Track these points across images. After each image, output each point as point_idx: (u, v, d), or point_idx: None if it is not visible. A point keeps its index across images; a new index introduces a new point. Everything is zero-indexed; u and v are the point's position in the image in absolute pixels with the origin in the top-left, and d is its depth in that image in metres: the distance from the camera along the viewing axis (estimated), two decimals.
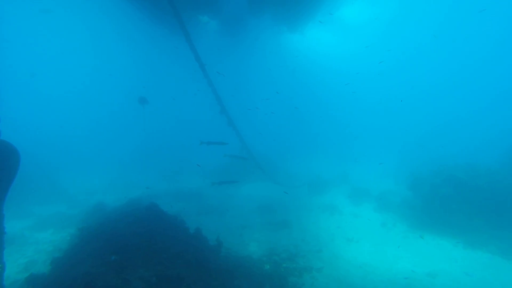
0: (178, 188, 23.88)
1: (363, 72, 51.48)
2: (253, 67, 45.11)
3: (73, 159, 34.24)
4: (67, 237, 13.20)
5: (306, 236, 14.01)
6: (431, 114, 52.58)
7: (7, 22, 40.14)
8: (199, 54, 15.86)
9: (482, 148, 23.19)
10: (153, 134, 42.41)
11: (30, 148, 26.62)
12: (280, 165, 28.49)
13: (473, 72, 53.81)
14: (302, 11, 27.29)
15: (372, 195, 20.55)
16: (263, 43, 36.91)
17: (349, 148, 36.27)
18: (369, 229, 15.44)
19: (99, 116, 64.53)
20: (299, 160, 33.02)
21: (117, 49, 47.23)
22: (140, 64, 52.02)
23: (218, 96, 18.14)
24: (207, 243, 10.26)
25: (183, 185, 25.45)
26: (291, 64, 47.43)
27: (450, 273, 10.68)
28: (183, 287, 6.90)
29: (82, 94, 65.41)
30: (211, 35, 31.89)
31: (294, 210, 18.18)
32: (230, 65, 41.79)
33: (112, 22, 35.18)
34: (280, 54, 43.23)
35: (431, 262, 11.56)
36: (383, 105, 61.50)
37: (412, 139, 32.59)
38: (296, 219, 16.35)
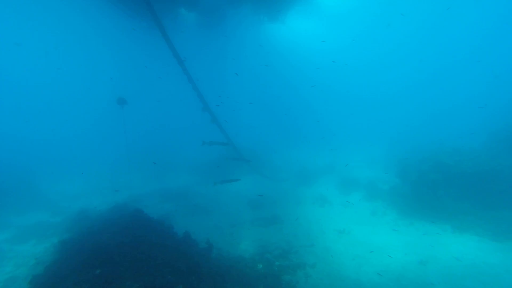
0: (164, 187, 23.35)
1: (349, 64, 51.60)
2: (233, 59, 44.23)
3: (53, 163, 32.99)
4: (50, 248, 12.61)
5: (297, 231, 13.89)
6: (417, 102, 53.39)
7: None
8: (177, 50, 15.25)
9: (465, 132, 23.59)
10: (136, 134, 41.40)
11: (5, 154, 25.51)
12: (266, 159, 28.25)
13: (454, 60, 54.87)
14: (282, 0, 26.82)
15: (361, 184, 20.57)
16: (243, 33, 36.15)
17: (337, 140, 36.37)
18: (360, 219, 15.45)
19: (78, 117, 62.64)
20: (285, 153, 32.89)
21: (97, 49, 45.26)
22: (119, 63, 50.34)
23: (199, 92, 17.60)
24: (197, 247, 9.96)
25: (169, 184, 24.92)
26: (272, 54, 46.83)
27: (440, 259, 10.76)
28: None
29: (60, 95, 63.08)
30: (190, 29, 30.92)
31: (283, 204, 18.00)
32: (210, 58, 41.01)
33: (90, 22, 33.56)
34: (262, 44, 42.58)
35: (421, 249, 11.62)
36: (371, 96, 62.16)
37: (399, 128, 32.95)
38: (286, 214, 16.20)
